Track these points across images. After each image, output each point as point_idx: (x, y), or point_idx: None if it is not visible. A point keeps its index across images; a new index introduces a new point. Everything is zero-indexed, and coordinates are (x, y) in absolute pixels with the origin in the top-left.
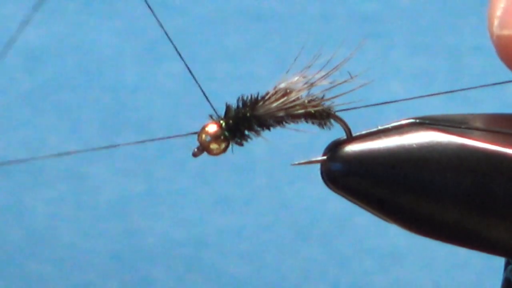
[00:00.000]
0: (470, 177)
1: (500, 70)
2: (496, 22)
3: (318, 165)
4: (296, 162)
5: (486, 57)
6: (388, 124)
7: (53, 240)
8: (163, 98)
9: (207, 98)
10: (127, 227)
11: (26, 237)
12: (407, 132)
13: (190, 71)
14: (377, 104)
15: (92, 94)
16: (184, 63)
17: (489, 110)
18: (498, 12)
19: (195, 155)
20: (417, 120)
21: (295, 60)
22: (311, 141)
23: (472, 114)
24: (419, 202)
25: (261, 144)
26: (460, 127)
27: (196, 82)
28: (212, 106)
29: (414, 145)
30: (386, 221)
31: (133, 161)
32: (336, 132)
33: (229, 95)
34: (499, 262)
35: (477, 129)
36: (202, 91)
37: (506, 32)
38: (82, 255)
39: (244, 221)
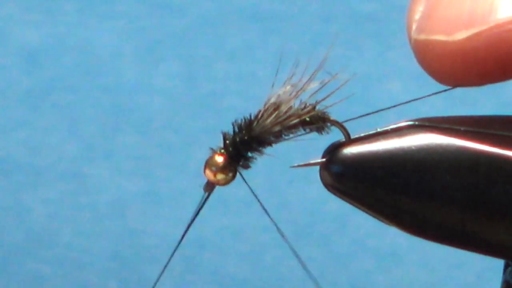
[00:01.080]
0: (469, 179)
1: None
2: (414, 26)
3: (317, 167)
4: (295, 165)
5: None
6: (387, 126)
7: (52, 240)
8: (162, 98)
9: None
10: (126, 227)
11: (25, 237)
12: (406, 134)
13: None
14: (372, 113)
15: (91, 94)
16: None
17: (488, 112)
18: (417, 16)
19: (206, 190)
20: (416, 122)
21: (292, 67)
22: (310, 143)
23: (471, 116)
24: (418, 204)
25: None
26: (459, 129)
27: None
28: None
29: (413, 147)
30: (386, 223)
31: (133, 161)
32: (335, 135)
33: (228, 95)
34: (498, 262)
35: (477, 131)
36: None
37: (423, 36)
38: (82, 255)
39: (243, 222)
